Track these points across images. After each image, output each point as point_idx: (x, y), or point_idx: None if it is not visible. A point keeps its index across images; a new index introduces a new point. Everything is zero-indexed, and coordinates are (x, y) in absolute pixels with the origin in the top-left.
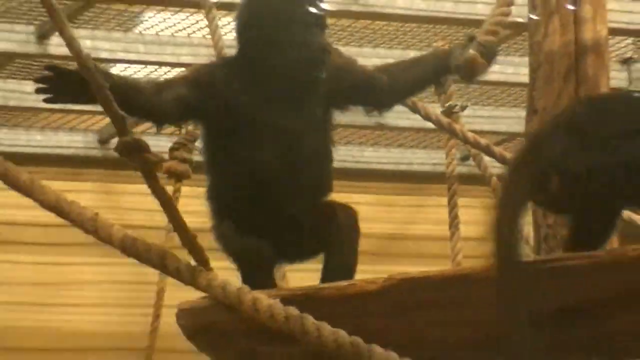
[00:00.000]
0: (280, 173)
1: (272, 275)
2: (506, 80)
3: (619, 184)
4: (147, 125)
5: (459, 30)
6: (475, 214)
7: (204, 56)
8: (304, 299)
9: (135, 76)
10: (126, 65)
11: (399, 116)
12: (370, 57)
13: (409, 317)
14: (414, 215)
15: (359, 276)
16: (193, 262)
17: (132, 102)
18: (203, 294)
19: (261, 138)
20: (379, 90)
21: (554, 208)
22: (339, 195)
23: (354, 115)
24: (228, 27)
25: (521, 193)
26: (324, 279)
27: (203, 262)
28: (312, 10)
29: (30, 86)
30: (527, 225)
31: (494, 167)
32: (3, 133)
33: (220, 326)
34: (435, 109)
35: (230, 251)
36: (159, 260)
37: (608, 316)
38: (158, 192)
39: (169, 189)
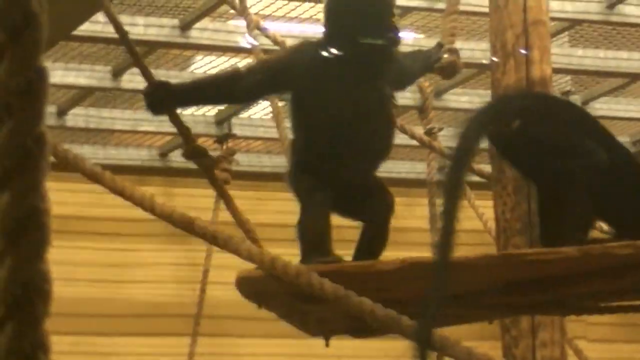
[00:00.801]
0: (349, 137)
1: (328, 218)
2: (474, 107)
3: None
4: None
5: None
6: None
7: None
8: (336, 273)
9: None
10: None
11: None
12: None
13: (415, 289)
14: (404, 212)
15: None
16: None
17: (232, 92)
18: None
19: (337, 107)
20: (405, 75)
21: (507, 151)
22: None
23: None
24: None
25: (481, 126)
26: (360, 246)
27: (254, 239)
28: (388, 5)
29: (106, 112)
30: (490, 220)
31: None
32: (86, 149)
33: (268, 290)
34: (419, 130)
35: (298, 189)
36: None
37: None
38: (215, 185)
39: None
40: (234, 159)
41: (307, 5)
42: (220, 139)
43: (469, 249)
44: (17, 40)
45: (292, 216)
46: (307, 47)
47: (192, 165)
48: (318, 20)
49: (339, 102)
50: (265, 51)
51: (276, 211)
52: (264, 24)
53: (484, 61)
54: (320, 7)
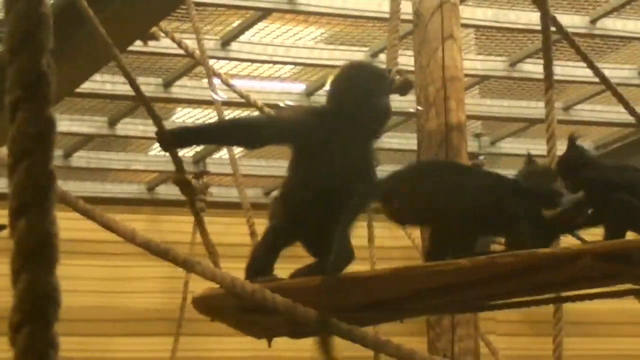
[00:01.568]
0: (331, 189)
1: (277, 246)
2: (402, 147)
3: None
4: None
5: None
6: (385, 231)
7: None
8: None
9: None
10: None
11: None
12: None
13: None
14: None
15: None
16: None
17: (246, 138)
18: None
19: (328, 163)
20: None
21: (396, 221)
22: None
23: None
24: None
25: (359, 208)
26: (301, 270)
27: (216, 262)
28: (384, 83)
29: (104, 154)
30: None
31: None
32: (87, 185)
33: (219, 305)
34: None
35: (270, 218)
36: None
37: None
38: (193, 210)
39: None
40: (208, 191)
41: (266, 66)
42: (197, 175)
43: (398, 263)
44: (31, 95)
45: (255, 238)
46: (313, 113)
47: (175, 197)
48: (275, 78)
49: (331, 162)
50: (233, 104)
51: (242, 233)
52: (232, 81)
53: (411, 110)
54: (278, 67)
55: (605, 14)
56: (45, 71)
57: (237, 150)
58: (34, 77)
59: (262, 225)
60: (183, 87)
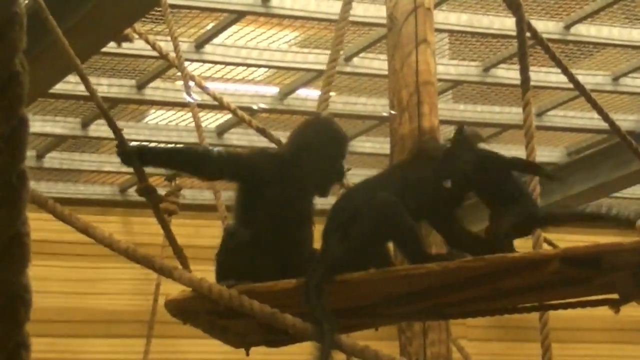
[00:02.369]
0: (284, 233)
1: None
2: (375, 152)
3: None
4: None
5: None
6: None
7: (185, 137)
8: (246, 291)
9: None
10: (136, 143)
11: None
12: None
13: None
14: None
15: None
16: (179, 265)
17: (199, 169)
18: (183, 288)
19: (279, 210)
20: None
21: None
22: None
23: None
24: (202, 118)
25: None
26: None
27: (185, 265)
28: (343, 147)
29: (76, 156)
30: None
31: None
32: (59, 186)
33: (192, 309)
34: None
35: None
36: (147, 262)
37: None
38: (160, 218)
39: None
40: (180, 194)
41: (240, 69)
42: (169, 178)
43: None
44: (3, 95)
45: None
46: (271, 157)
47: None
48: (249, 80)
49: (282, 207)
50: (206, 106)
51: (213, 236)
52: (206, 84)
53: (384, 114)
54: (251, 69)
55: (580, 20)
56: (18, 71)
57: None
58: (7, 77)
59: None
60: (156, 89)
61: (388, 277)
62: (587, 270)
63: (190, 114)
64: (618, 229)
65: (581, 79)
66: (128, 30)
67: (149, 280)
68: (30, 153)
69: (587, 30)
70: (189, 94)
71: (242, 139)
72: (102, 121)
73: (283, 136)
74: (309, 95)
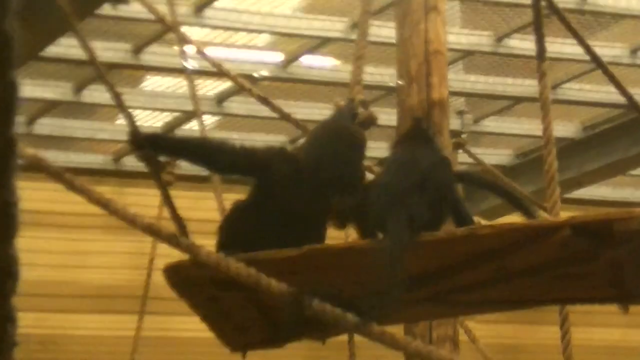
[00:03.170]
0: (285, 233)
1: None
2: (382, 123)
3: None
4: None
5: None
6: None
7: (184, 104)
8: (248, 261)
9: (138, 118)
10: (132, 110)
11: None
12: (293, 107)
13: (321, 276)
14: None
15: None
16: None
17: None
18: (180, 259)
19: (289, 211)
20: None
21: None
22: None
23: None
24: (201, 85)
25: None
26: None
27: (185, 234)
28: (361, 151)
29: (68, 122)
30: None
31: None
32: (50, 153)
33: (192, 278)
34: None
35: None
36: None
37: (450, 276)
38: (160, 186)
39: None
40: (177, 164)
41: (241, 34)
42: None
43: None
44: None
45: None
46: (288, 159)
47: (142, 169)
48: (251, 47)
49: (293, 209)
50: (206, 73)
51: (211, 208)
52: (205, 49)
53: (392, 84)
54: (253, 35)
55: None
56: (9, 33)
57: (208, 122)
58: None
59: (232, 200)
60: (153, 54)
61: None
62: (597, 242)
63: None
64: None
65: (598, 50)
66: None
67: (143, 254)
68: (20, 119)
69: (604, 0)
70: (184, 59)
71: (243, 107)
72: (95, 86)
73: (285, 105)
74: (313, 64)
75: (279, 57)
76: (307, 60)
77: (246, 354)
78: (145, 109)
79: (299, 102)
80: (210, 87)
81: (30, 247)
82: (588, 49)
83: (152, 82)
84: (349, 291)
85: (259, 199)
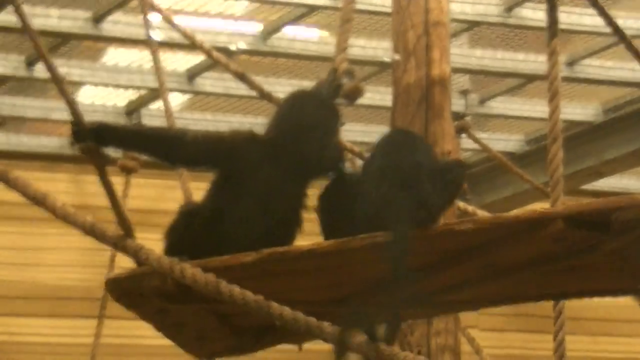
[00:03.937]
0: (251, 229)
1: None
2: (374, 104)
3: None
4: None
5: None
6: None
7: (150, 81)
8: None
9: (99, 95)
10: (92, 87)
11: None
12: (274, 84)
13: (279, 282)
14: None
15: None
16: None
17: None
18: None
19: (264, 203)
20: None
21: None
22: None
23: None
24: (170, 59)
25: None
26: None
27: (130, 234)
28: (337, 120)
29: (19, 100)
30: None
31: None
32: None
33: (137, 290)
34: None
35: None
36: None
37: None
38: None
39: (122, 180)
40: None
41: (216, 2)
42: None
43: None
44: None
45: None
46: (257, 141)
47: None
48: (227, 16)
49: (262, 191)
50: (175, 45)
51: (181, 199)
52: (175, 18)
53: (386, 59)
54: (230, 3)
55: None
56: None
57: (178, 101)
58: None
59: (200, 190)
60: (116, 24)
61: (356, 247)
62: (595, 233)
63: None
64: None
65: (621, 23)
66: None
67: (103, 250)
68: None
69: None
70: (150, 29)
71: (217, 85)
72: (51, 59)
73: (265, 82)
74: (297, 35)
75: (258, 27)
76: (290, 31)
77: None
78: (106, 85)
79: (281, 79)
80: (180, 62)
81: None
82: (610, 21)
83: (115, 56)
84: (323, 295)
85: (221, 197)
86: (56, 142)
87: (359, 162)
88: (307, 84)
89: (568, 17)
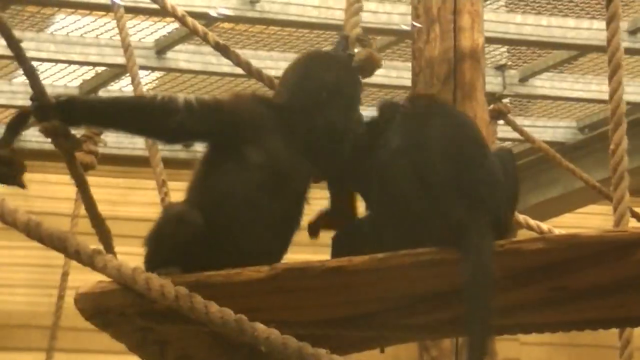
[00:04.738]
0: (253, 217)
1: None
2: (390, 83)
3: None
4: None
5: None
6: None
7: (110, 56)
8: (194, 284)
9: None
10: (38, 63)
11: None
12: (264, 59)
13: (290, 299)
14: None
15: None
16: (98, 245)
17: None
18: (101, 278)
19: (260, 178)
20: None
21: None
22: None
23: None
24: (132, 29)
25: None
26: None
27: (108, 243)
28: (359, 86)
29: None
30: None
31: None
32: None
33: (115, 308)
34: None
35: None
36: (60, 242)
37: None
38: (75, 174)
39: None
40: (101, 139)
41: None
42: None
43: None
44: None
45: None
46: (258, 104)
47: (51, 146)
48: None
49: (268, 169)
50: (142, 11)
51: (149, 203)
52: None
53: (404, 27)
54: None
55: None
56: None
57: (145, 80)
58: None
59: (179, 191)
60: None
61: (400, 264)
62: None
63: (116, 23)
64: None
65: None
66: None
67: (53, 267)
68: None
69: None
70: None
71: (194, 59)
72: None
73: (253, 57)
74: None
75: None
76: None
77: None
78: (55, 61)
79: (272, 53)
80: (148, 31)
81: None
82: None
83: (66, 24)
84: (337, 312)
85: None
86: None
87: None
88: None
89: None
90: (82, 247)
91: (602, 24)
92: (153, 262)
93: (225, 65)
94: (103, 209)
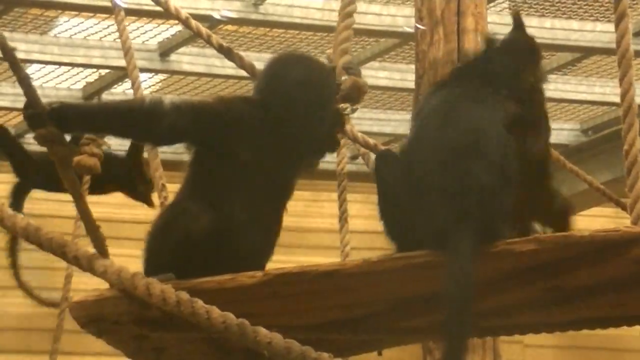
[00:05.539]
0: (239, 225)
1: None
2: (393, 85)
3: None
4: None
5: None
6: (362, 209)
7: (113, 58)
8: (189, 290)
9: (49, 76)
10: (41, 65)
11: None
12: None
13: (284, 304)
14: (309, 209)
15: None
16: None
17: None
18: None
19: (253, 172)
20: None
21: None
22: None
23: None
24: (136, 32)
25: None
26: None
27: (103, 250)
28: (332, 86)
29: None
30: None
31: None
32: None
33: (110, 316)
34: None
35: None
36: (58, 248)
37: None
38: (69, 181)
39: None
40: (104, 142)
41: None
42: None
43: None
44: None
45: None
46: (243, 104)
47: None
48: None
49: (257, 167)
50: (144, 13)
51: (141, 206)
52: None
53: (407, 29)
54: None
55: None
56: None
57: (148, 82)
58: None
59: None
60: None
61: (393, 267)
62: None
63: (116, 25)
64: None
65: None
66: None
67: (55, 270)
68: None
69: None
70: None
71: (197, 62)
72: None
73: (257, 59)
74: (294, 1)
75: None
76: None
77: None
78: (59, 64)
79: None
80: (151, 34)
81: None
82: None
83: (69, 26)
84: (331, 316)
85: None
86: None
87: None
88: None
89: None
90: (82, 253)
91: (606, 26)
92: (153, 265)
93: (229, 67)
94: (107, 212)
